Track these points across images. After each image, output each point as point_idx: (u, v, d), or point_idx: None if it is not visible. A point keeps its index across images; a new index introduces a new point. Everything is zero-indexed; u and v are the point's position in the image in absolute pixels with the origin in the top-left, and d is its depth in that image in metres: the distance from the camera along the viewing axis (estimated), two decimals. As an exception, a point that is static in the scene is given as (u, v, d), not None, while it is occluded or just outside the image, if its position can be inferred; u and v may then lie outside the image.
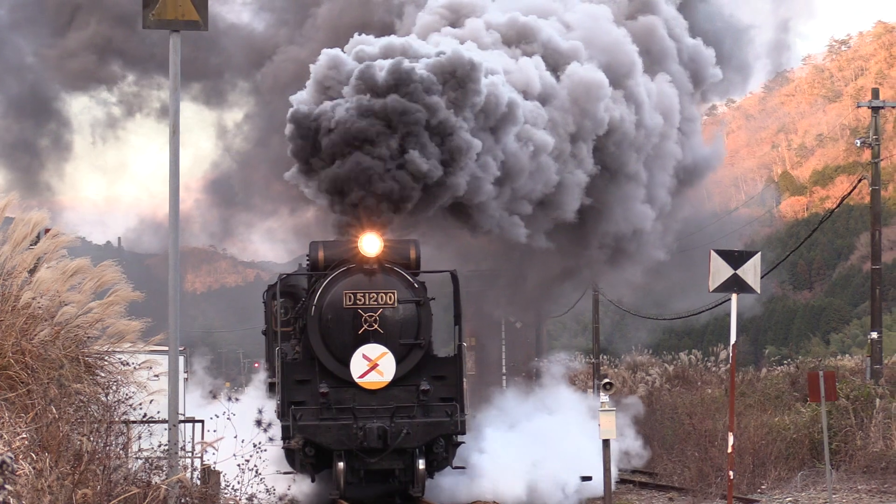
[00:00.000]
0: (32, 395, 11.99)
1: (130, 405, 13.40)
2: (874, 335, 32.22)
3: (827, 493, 21.92)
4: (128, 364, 14.13)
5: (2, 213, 13.98)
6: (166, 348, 13.73)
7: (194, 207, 38.65)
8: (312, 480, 24.49)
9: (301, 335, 26.09)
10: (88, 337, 14.31)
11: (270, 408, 26.56)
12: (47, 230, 14.76)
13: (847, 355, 50.89)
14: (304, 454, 23.90)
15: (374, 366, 24.39)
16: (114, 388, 13.78)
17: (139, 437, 12.47)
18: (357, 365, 24.25)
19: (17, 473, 9.69)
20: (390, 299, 24.62)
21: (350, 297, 24.51)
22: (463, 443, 24.95)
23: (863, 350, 43.28)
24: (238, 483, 12.28)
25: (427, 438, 24.40)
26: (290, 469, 24.43)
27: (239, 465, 12.24)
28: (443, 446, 24.59)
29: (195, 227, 40.80)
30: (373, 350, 24.40)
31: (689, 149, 32.59)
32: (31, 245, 14.33)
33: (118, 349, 14.43)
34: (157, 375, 13.80)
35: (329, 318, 24.72)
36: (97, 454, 11.72)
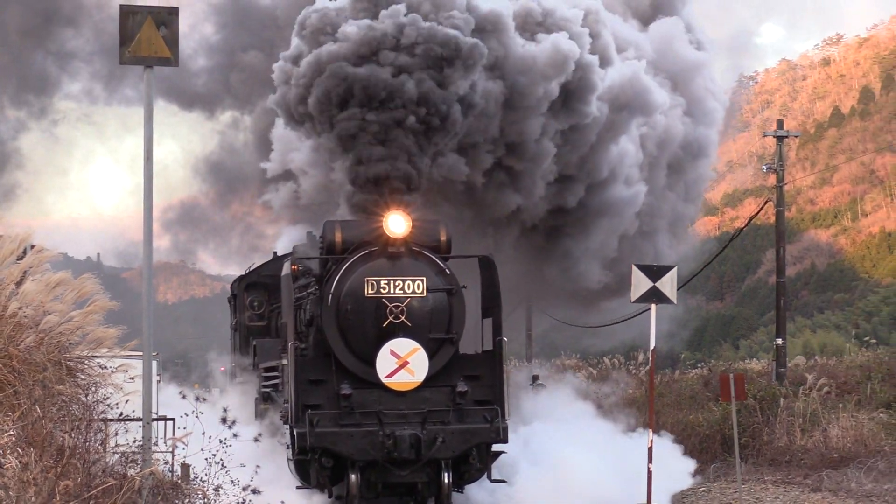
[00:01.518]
0: (19, 396, 11.90)
1: (108, 405, 13.31)
2: (779, 341, 32.35)
3: (737, 483, 22.00)
4: (105, 368, 14.02)
5: (-9, 231, 13.88)
6: (140, 353, 13.66)
7: (165, 227, 37.68)
8: (330, 496, 19.33)
9: (308, 328, 20.27)
10: (70, 343, 14.16)
11: (240, 403, 23.33)
12: (32, 246, 14.66)
13: (755, 359, 51.05)
14: (320, 466, 18.70)
15: (403, 364, 19.16)
16: (93, 389, 13.64)
17: (116, 434, 12.40)
18: (384, 362, 19.06)
19: (5, 467, 9.68)
20: (418, 287, 19.29)
21: (373, 284, 19.16)
22: (504, 452, 19.56)
23: (768, 355, 43.46)
24: (206, 475, 12.16)
25: (463, 447, 19.04)
26: (301, 482, 19.31)
27: (206, 459, 12.14)
28: (476, 456, 19.21)
29: (166, 244, 39.93)
30: (402, 345, 19.12)
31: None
32: (17, 259, 14.22)
33: (97, 354, 14.31)
34: (132, 378, 13.71)
35: (348, 309, 19.29)
36: (78, 449, 11.64)
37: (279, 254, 25.77)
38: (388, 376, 19.04)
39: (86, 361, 14.06)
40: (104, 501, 10.15)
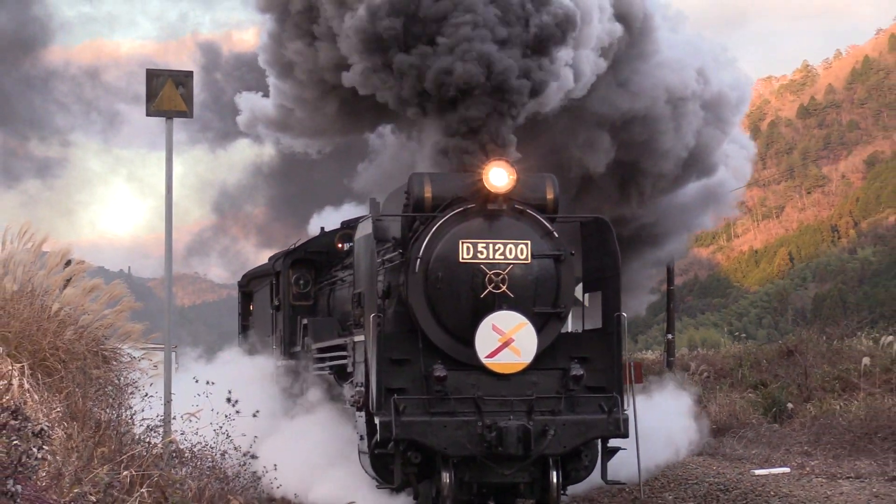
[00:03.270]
0: (64, 380, 11.86)
1: (136, 386, 13.31)
2: (669, 336, 32.48)
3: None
4: (133, 357, 14.03)
5: (40, 248, 13.88)
6: (162, 345, 13.65)
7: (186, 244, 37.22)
8: (415, 497, 13.37)
9: (385, 300, 13.84)
10: (104, 336, 14.21)
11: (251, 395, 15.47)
12: (73, 259, 14.66)
13: (650, 351, 51.21)
14: (407, 462, 12.86)
15: (507, 341, 13.14)
16: (123, 374, 13.68)
17: (142, 410, 12.36)
18: (485, 339, 13.08)
19: (53, 437, 9.58)
20: (522, 252, 13.38)
21: (469, 248, 13.30)
22: (623, 449, 13.68)
23: (661, 347, 43.72)
24: (214, 443, 12.13)
25: (577, 442, 13.21)
26: (380, 481, 13.27)
27: (214, 431, 12.05)
28: (588, 454, 13.46)
29: (183, 257, 39.47)
30: (507, 319, 13.12)
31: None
32: (61, 269, 14.22)
33: (126, 346, 14.34)
34: (154, 365, 13.70)
35: (439, 277, 13.35)
36: (111, 422, 11.60)
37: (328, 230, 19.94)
38: (490, 356, 13.15)
39: (117, 351, 14.08)
40: (132, 464, 10.08)
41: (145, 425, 11.83)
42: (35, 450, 8.59)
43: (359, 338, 13.69)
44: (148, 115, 13.11)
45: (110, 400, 12.41)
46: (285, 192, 30.18)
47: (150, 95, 12.91)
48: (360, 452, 13.67)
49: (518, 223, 13.54)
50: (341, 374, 15.35)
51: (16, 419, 8.61)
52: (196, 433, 11.91)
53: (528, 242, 13.38)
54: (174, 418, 12.18)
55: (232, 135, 28.75)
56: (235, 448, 11.95)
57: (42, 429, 9.05)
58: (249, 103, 20.04)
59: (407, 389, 13.00)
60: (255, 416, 12.34)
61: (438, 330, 13.33)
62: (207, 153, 33.41)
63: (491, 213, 13.53)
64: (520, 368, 13.19)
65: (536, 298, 13.42)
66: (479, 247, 13.33)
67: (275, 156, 26.76)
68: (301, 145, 20.63)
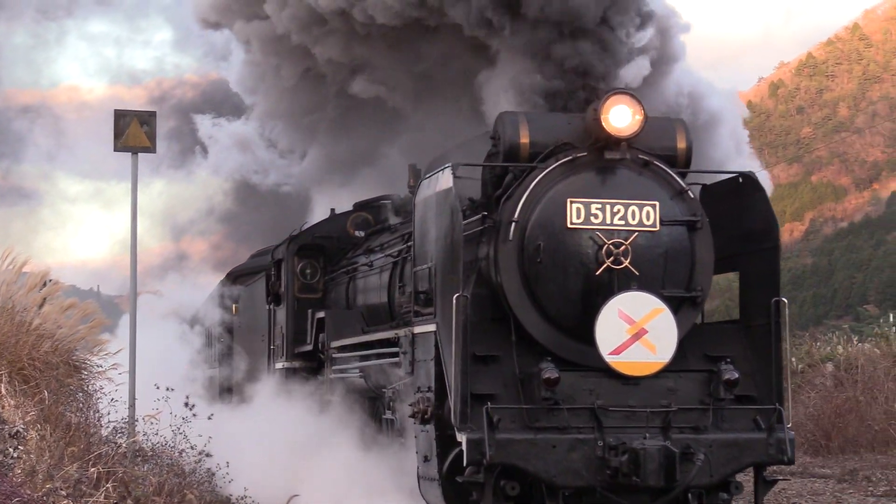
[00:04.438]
0: (39, 387, 12.21)
1: (103, 392, 13.69)
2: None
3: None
4: (101, 366, 14.49)
5: (20, 269, 14.39)
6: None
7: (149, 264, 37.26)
8: None
9: (445, 278, 9.43)
10: (76, 349, 14.68)
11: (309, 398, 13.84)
12: (50, 280, 15.15)
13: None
14: (500, 494, 9.02)
15: (638, 333, 9.26)
16: (92, 381, 14.14)
17: (108, 413, 12.83)
18: (608, 330, 9.19)
19: (28, 438, 9.92)
20: (648, 217, 9.55)
21: (579, 209, 9.46)
22: (786, 479, 11.16)
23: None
24: (173, 442, 12.53)
25: (729, 470, 9.33)
26: None
27: (173, 431, 12.38)
28: (737, 484, 9.46)
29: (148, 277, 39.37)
30: (638, 303, 9.24)
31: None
32: (39, 289, 14.72)
33: (95, 357, 14.81)
34: (120, 373, 14.14)
35: (540, 248, 9.46)
36: (81, 424, 11.92)
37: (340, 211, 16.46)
38: (615, 352, 9.17)
39: (87, 362, 14.55)
40: (99, 462, 10.42)
41: (111, 427, 12.31)
42: (11, 449, 9.11)
43: (423, 328, 9.81)
44: (115, 150, 13.65)
45: (80, 404, 12.83)
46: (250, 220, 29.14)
47: (118, 133, 13.45)
48: (420, 479, 9.80)
49: (642, 178, 9.73)
50: (377, 377, 11.74)
51: (-6, 423, 9.03)
52: (157, 434, 12.39)
53: (657, 204, 9.60)
54: (137, 421, 12.68)
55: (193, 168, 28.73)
56: (192, 447, 12.44)
57: (18, 431, 9.55)
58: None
59: (497, 396, 9.12)
60: (209, 418, 12.79)
61: (537, 317, 9.51)
62: (168, 185, 34.05)
63: (608, 165, 9.65)
64: (656, 369, 9.32)
65: (665, 278, 9.62)
66: (593, 208, 9.48)
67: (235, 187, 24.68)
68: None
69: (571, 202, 9.55)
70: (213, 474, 12.73)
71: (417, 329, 10.05)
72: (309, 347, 14.78)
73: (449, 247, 9.34)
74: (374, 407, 12.40)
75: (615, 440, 9.03)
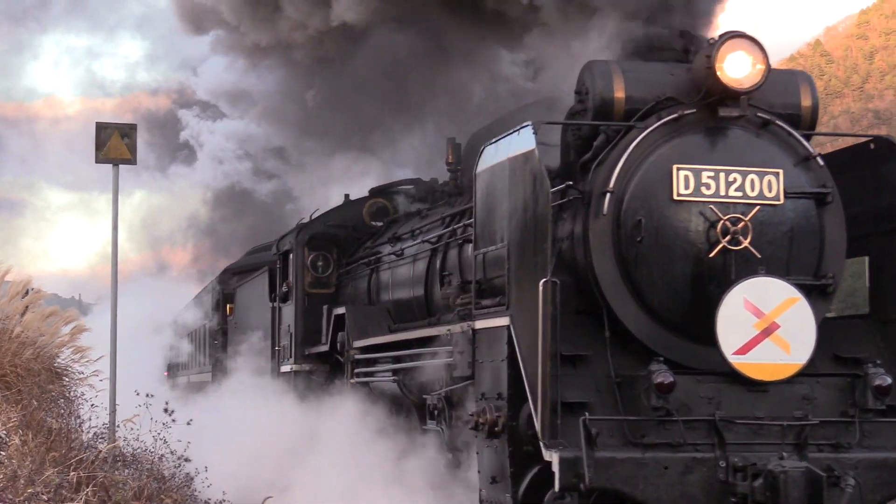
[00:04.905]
0: (21, 393, 12.22)
1: (84, 398, 13.72)
2: None
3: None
4: (82, 373, 14.46)
5: (3, 279, 14.36)
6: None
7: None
8: None
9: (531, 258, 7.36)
10: (57, 356, 14.65)
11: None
12: (32, 288, 15.11)
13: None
14: None
15: (769, 328, 7.22)
16: (73, 388, 14.11)
17: (89, 419, 12.81)
18: (731, 324, 7.19)
19: (9, 444, 9.91)
20: (770, 188, 7.64)
21: (688, 178, 7.56)
22: None
23: None
24: (153, 448, 12.51)
25: (881, 498, 7.23)
26: None
27: (153, 437, 12.30)
28: None
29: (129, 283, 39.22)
30: (768, 291, 7.23)
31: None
32: (21, 297, 14.69)
33: (76, 363, 14.78)
34: (101, 380, 14.11)
35: (640, 224, 7.62)
36: (62, 430, 11.87)
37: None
38: (740, 352, 7.38)
39: (68, 368, 14.53)
40: (81, 468, 10.42)
41: (92, 433, 12.29)
42: (-7, 455, 9.08)
43: (488, 323, 7.97)
44: (97, 162, 13.64)
45: (61, 410, 12.80)
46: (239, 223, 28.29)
47: (99, 145, 13.44)
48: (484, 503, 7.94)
49: (761, 142, 7.95)
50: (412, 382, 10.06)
51: (-23, 429, 9.02)
52: (137, 439, 12.37)
53: (780, 172, 7.84)
54: (118, 426, 12.65)
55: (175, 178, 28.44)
56: (172, 452, 12.42)
57: (0, 437, 9.50)
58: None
59: (591, 405, 7.29)
60: (188, 423, 12.75)
61: (636, 309, 7.75)
62: (149, 194, 34.06)
63: (721, 125, 7.87)
64: (790, 373, 7.51)
65: (790, 262, 7.86)
66: (704, 177, 7.70)
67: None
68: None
69: (678, 169, 7.69)
70: (192, 479, 12.70)
71: (481, 324, 8.13)
72: (324, 348, 13.15)
73: (530, 222, 7.40)
74: (410, 417, 10.69)
75: (741, 460, 7.12)
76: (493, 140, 8.19)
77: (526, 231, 7.50)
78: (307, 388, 13.38)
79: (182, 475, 12.54)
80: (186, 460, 12.49)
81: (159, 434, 12.44)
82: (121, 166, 13.48)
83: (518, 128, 7.75)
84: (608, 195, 7.72)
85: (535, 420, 7.03)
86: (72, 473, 9.96)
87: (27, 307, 14.56)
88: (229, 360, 17.37)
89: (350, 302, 13.10)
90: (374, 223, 14.12)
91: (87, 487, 9.94)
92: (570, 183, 8.02)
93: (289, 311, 14.46)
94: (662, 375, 7.15)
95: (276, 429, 12.82)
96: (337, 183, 16.31)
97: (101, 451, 11.65)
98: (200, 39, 18.64)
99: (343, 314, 12.22)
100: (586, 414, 7.01)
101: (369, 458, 10.44)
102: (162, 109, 32.06)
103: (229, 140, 23.14)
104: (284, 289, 14.54)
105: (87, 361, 15.08)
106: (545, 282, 7.04)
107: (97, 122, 13.50)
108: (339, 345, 12.53)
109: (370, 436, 10.73)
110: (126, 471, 11.68)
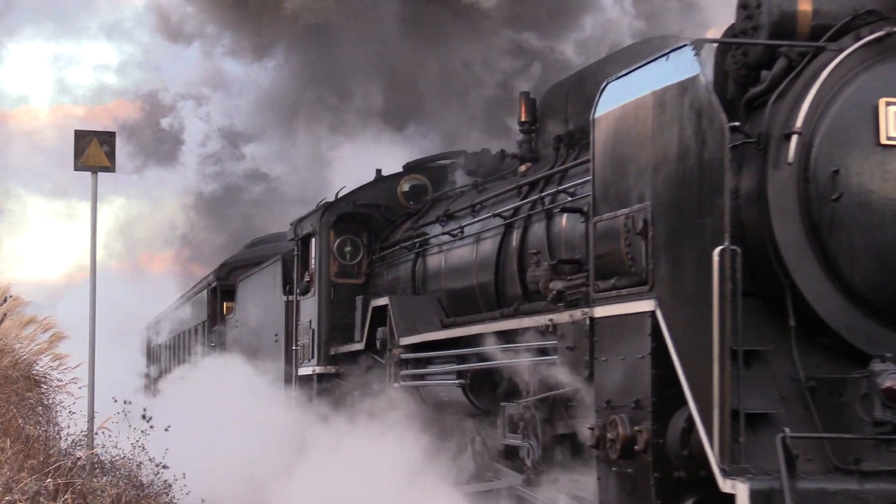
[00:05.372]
0: None
1: (62, 406, 13.58)
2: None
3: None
4: (61, 380, 14.37)
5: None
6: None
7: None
8: None
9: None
10: (36, 363, 14.55)
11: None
12: (10, 296, 15.01)
13: None
14: None
15: None
16: (52, 395, 14.01)
17: (68, 426, 12.72)
18: None
19: None
20: None
21: None
22: None
23: None
24: (132, 455, 12.42)
25: None
26: None
27: (132, 444, 12.28)
28: None
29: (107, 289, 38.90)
30: None
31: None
32: (-1, 305, 14.62)
33: (55, 370, 14.69)
34: (80, 387, 14.04)
35: (837, 176, 5.57)
36: (40, 437, 11.82)
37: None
38: None
39: (47, 375, 14.44)
40: (58, 475, 10.37)
41: (70, 440, 12.19)
42: (-30, 462, 8.98)
43: (616, 309, 6.34)
44: (76, 169, 13.54)
45: (39, 418, 12.70)
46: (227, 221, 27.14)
47: (78, 153, 13.35)
48: None
49: None
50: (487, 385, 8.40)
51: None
52: (116, 447, 12.28)
53: None
54: (96, 434, 12.56)
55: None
56: (150, 459, 12.33)
57: (-25, 444, 9.41)
58: None
59: (776, 416, 5.56)
60: (166, 430, 12.62)
61: (830, 289, 5.85)
62: (128, 202, 33.97)
63: None
64: None
65: None
66: None
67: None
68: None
69: (887, 104, 5.79)
70: (171, 486, 12.59)
71: (602, 311, 6.45)
72: (358, 346, 11.25)
73: (691, 172, 5.63)
74: (482, 430, 8.87)
75: None
76: (622, 73, 6.32)
77: (683, 186, 5.68)
78: (337, 396, 11.22)
79: (160, 482, 12.45)
80: (164, 467, 12.40)
81: (138, 441, 12.37)
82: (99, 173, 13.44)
83: (668, 51, 5.89)
84: (794, 138, 5.73)
85: (701, 436, 5.33)
86: (49, 480, 9.87)
87: (5, 314, 14.46)
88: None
89: (384, 292, 11.16)
90: (409, 203, 12.24)
91: (65, 494, 9.87)
92: (737, 124, 5.89)
93: (309, 305, 12.47)
94: (892, 379, 5.27)
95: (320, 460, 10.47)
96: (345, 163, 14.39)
97: (79, 458, 11.62)
98: (178, 47, 18.52)
99: (384, 306, 10.27)
100: (786, 430, 5.26)
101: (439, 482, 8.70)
102: (137, 115, 31.86)
103: (214, 125, 22.25)
104: (305, 279, 12.57)
105: (65, 369, 14.97)
106: (722, 250, 5.28)
107: (76, 130, 13.37)
108: (377, 342, 10.63)
109: (435, 456, 9.01)
110: (104, 478, 11.60)
